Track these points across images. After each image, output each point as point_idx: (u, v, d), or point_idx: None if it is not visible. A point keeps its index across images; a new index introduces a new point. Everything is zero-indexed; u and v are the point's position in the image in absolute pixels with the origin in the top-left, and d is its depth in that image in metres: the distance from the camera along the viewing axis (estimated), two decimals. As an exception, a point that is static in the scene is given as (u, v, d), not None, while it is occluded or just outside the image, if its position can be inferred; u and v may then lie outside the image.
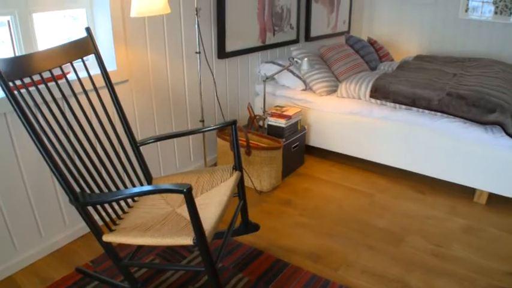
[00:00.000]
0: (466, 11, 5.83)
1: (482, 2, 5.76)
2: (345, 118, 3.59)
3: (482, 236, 2.84)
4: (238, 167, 2.27)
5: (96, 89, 2.06)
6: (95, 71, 2.31)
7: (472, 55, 5.64)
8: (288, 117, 3.36)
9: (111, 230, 1.81)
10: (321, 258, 2.53)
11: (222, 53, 3.44)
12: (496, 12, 5.69)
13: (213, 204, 1.91)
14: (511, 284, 2.39)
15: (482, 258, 2.60)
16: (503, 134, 3.02)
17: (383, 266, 2.49)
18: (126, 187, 2.01)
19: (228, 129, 3.35)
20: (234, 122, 2.25)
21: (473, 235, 2.85)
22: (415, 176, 3.54)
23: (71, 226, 2.59)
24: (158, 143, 3.05)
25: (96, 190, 1.92)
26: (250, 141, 3.24)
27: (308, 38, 4.72)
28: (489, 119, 3.06)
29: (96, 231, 1.76)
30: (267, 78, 3.56)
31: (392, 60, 5.27)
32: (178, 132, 2.30)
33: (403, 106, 3.41)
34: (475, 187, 3.25)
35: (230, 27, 3.44)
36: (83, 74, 2.11)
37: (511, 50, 5.60)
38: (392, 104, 3.46)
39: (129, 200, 2.10)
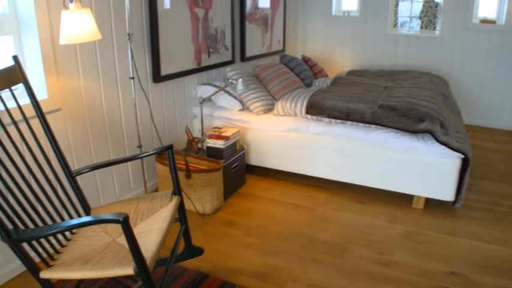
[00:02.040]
0: (394, 26, 6.10)
1: (410, 17, 6.05)
2: (283, 135, 3.65)
3: (422, 240, 2.96)
4: (177, 191, 2.25)
5: (26, 119, 1.99)
6: (25, 100, 2.24)
7: (402, 68, 5.90)
8: (226, 138, 3.38)
9: (48, 266, 1.74)
10: (267, 276, 2.54)
11: (158, 77, 3.42)
12: (421, 27, 6.00)
13: (153, 231, 1.88)
14: (451, 283, 2.50)
15: (424, 261, 2.72)
16: (434, 141, 3.20)
17: (329, 278, 2.53)
18: (63, 220, 1.95)
19: (167, 153, 3.31)
20: (171, 147, 2.24)
21: (414, 240, 2.96)
22: (355, 187, 3.64)
23: (6, 265, 2.47)
24: (96, 171, 2.97)
25: (31, 225, 1.86)
26: (190, 164, 3.22)
27: (244, 58, 4.78)
28: (420, 128, 3.22)
29: (33, 269, 1.69)
30: (203, 100, 3.57)
31: (326, 76, 5.42)
32: (116, 160, 2.26)
33: (338, 120, 3.52)
34: (412, 193, 3.41)
35: (164, 51, 3.43)
36: (11, 104, 2.04)
37: (437, 62, 5.91)
38: (327, 119, 3.55)
39: (67, 233, 2.03)
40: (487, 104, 5.85)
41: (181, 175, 3.13)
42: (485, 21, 5.74)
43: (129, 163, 3.28)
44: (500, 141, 5.28)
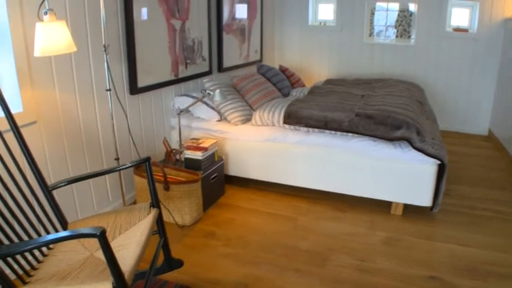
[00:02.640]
0: (370, 35, 6.18)
1: (386, 26, 6.14)
2: (261, 145, 3.66)
3: (401, 245, 2.99)
4: (155, 203, 2.24)
5: (0, 133, 1.96)
6: (-1, 114, 2.20)
7: (379, 76, 5.98)
8: (204, 149, 3.37)
9: (24, 283, 1.70)
10: (248, 287, 2.53)
11: (134, 88, 3.40)
12: (397, 36, 6.09)
13: (131, 244, 1.86)
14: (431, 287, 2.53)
15: (404, 266, 2.74)
16: (411, 148, 3.24)
17: (311, 287, 2.53)
18: (40, 235, 1.92)
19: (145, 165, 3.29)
20: (148, 159, 2.23)
21: (394, 246, 2.99)
22: (335, 195, 3.65)
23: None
24: (73, 185, 2.92)
25: (7, 242, 1.82)
26: (168, 176, 3.20)
27: (221, 69, 4.78)
28: (396, 135, 3.26)
29: (8, 286, 1.65)
30: (181, 111, 3.55)
31: (304, 85, 5.46)
32: (93, 173, 2.23)
33: (316, 129, 3.54)
34: (390, 200, 3.45)
35: (141, 63, 3.41)
36: (-16, 119, 2.00)
37: (413, 70, 6.01)
38: (305, 129, 3.57)
39: (44, 248, 1.99)
40: (462, 110, 5.97)
41: (159, 187, 3.10)
42: (458, 29, 5.86)
43: (106, 176, 3.25)
44: (476, 146, 5.38)
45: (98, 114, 3.10)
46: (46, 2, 2.31)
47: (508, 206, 3.64)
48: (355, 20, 6.17)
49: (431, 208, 3.35)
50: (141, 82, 3.46)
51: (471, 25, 5.88)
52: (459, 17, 5.96)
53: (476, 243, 3.04)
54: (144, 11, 3.41)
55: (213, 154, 3.51)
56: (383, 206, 3.51)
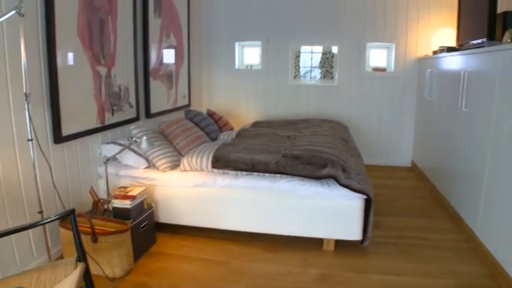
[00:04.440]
0: (295, 77, 6.41)
1: (311, 67, 6.39)
2: (191, 191, 3.65)
3: (334, 281, 3.05)
4: (82, 258, 2.17)
5: None
6: None
7: (305, 116, 6.19)
8: (133, 198, 3.31)
9: None
10: (181, 338, 2.48)
11: (59, 137, 3.30)
12: (321, 77, 6.37)
13: (55, 303, 1.79)
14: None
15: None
16: (337, 185, 3.36)
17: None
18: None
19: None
20: (72, 212, 2.17)
21: (328, 282, 3.04)
22: (267, 236, 3.67)
23: None
24: (-8, 242, 2.78)
25: None
26: (96, 226, 3.11)
27: (149, 115, 4.76)
28: (323, 174, 3.37)
29: None
30: (107, 159, 3.50)
31: (232, 129, 5.53)
32: (14, 228, 2.14)
33: (244, 172, 3.59)
34: (322, 237, 3.52)
35: (66, 110, 3.33)
36: None
37: (337, 109, 6.28)
38: (233, 172, 3.61)
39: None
40: (385, 144, 6.28)
41: (87, 239, 3.00)
42: (377, 69, 6.22)
43: (30, 230, 3.10)
44: (400, 178, 5.65)
45: (19, 165, 2.98)
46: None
47: (434, 233, 3.84)
48: (280, 63, 6.41)
49: (361, 241, 3.45)
50: (66, 130, 3.37)
51: (388, 65, 6.28)
52: (377, 57, 6.35)
53: (408, 271, 3.17)
54: (70, 56, 3.37)
55: (142, 202, 3.46)
56: (315, 243, 3.57)
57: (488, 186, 3.31)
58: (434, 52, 5.39)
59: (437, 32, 5.79)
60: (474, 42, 4.16)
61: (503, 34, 3.77)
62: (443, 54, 4.81)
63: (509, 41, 3.52)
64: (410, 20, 6.00)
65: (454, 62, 4.37)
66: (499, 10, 3.99)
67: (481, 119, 3.50)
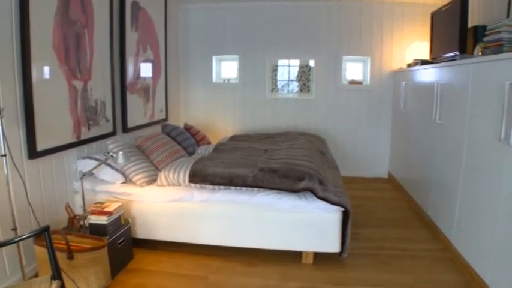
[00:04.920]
0: (272, 91, 6.44)
1: (289, 80, 6.44)
2: (168, 206, 3.62)
3: (314, 293, 3.04)
4: (56, 275, 2.13)
5: None
6: None
7: (282, 130, 6.21)
8: (109, 213, 3.27)
9: None
10: None
11: (33, 152, 3.24)
12: (298, 90, 6.42)
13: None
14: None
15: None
16: (315, 198, 3.37)
17: None
18: None
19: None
20: (47, 228, 2.13)
21: (307, 295, 3.03)
22: (245, 250, 3.65)
23: None
24: (-37, 261, 2.72)
25: None
26: (72, 243, 3.05)
27: (125, 129, 4.72)
28: (300, 187, 3.39)
29: None
30: (83, 175, 3.45)
31: (209, 143, 5.53)
32: (-15, 248, 2.10)
33: (222, 186, 3.58)
34: (300, 250, 3.52)
35: (40, 125, 3.27)
36: None
37: (314, 122, 6.33)
38: (211, 186, 3.60)
39: None
40: (362, 155, 6.35)
41: (63, 256, 2.95)
42: (353, 82, 6.30)
43: (3, 248, 3.03)
44: (378, 189, 5.70)
45: (-8, 182, 2.92)
46: None
47: (411, 243, 3.88)
48: (257, 77, 6.44)
49: (340, 254, 3.46)
50: (41, 145, 3.32)
51: (364, 78, 6.37)
52: (353, 70, 6.44)
53: (386, 282, 3.19)
54: (45, 70, 3.33)
55: (119, 218, 3.41)
56: (294, 256, 3.56)
57: (462, 196, 3.37)
58: (409, 65, 5.49)
59: (411, 45, 5.90)
60: (447, 55, 4.25)
61: (474, 48, 3.87)
62: (417, 67, 4.91)
63: (480, 54, 3.61)
64: (385, 33, 6.11)
65: (427, 75, 4.46)
66: (470, 24, 4.10)
67: (454, 130, 3.56)
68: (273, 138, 5.22)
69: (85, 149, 4.01)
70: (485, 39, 3.46)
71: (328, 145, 5.54)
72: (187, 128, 5.40)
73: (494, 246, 2.80)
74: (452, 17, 4.12)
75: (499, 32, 3.23)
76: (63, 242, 2.97)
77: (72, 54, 3.66)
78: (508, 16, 3.84)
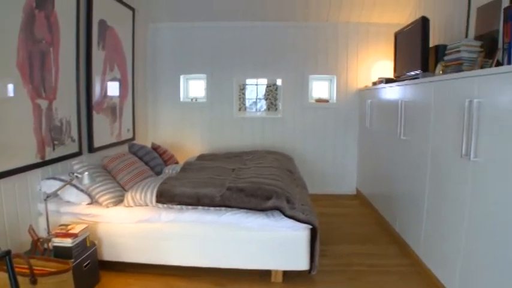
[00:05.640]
0: (240, 109, 6.47)
1: (257, 98, 6.48)
2: (135, 227, 3.57)
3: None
4: (18, 302, 2.06)
5: None
6: None
7: (250, 148, 6.23)
8: (75, 235, 3.19)
9: None
10: None
11: (-6, 174, 3.17)
12: (266, 109, 6.48)
13: None
14: None
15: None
16: (283, 216, 3.39)
17: None
18: None
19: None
20: (8, 253, 2.08)
21: (277, 314, 3.02)
22: (215, 270, 3.62)
23: None
24: None
25: None
26: (35, 267, 2.96)
27: (92, 149, 4.64)
28: (268, 205, 3.40)
29: None
30: (48, 196, 3.38)
31: (177, 162, 5.49)
32: None
33: (189, 206, 3.56)
34: (269, 269, 3.52)
35: (2, 145, 3.19)
36: None
37: (281, 140, 6.39)
38: (178, 206, 3.58)
39: None
40: (330, 173, 6.43)
41: (25, 281, 2.86)
42: (319, 100, 6.39)
43: (-38, 274, 2.93)
44: (346, 206, 5.76)
45: (-49, 206, 2.83)
46: None
47: (380, 259, 3.93)
48: (224, 96, 6.48)
49: (309, 271, 3.47)
50: (3, 166, 3.22)
51: (331, 96, 6.47)
52: (319, 89, 6.53)
53: (355, 298, 3.20)
54: (9, 88, 3.26)
55: (84, 240, 3.34)
56: (263, 275, 3.56)
57: (428, 211, 3.44)
58: (374, 83, 5.60)
59: (376, 64, 6.04)
60: (410, 73, 4.36)
61: (435, 66, 3.98)
62: (381, 85, 5.01)
63: (441, 72, 3.72)
64: (351, 53, 6.24)
65: (391, 93, 4.56)
66: (432, 44, 4.22)
67: (418, 146, 3.65)
68: (241, 157, 5.23)
69: (50, 169, 3.91)
70: (445, 58, 3.58)
71: (296, 163, 5.58)
72: (155, 148, 5.36)
73: (459, 259, 2.86)
74: (415, 37, 4.24)
75: (458, 51, 3.35)
76: (26, 266, 2.88)
77: (36, 73, 3.59)
78: (466, 36, 3.98)
